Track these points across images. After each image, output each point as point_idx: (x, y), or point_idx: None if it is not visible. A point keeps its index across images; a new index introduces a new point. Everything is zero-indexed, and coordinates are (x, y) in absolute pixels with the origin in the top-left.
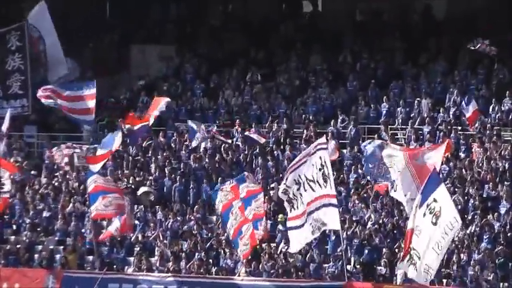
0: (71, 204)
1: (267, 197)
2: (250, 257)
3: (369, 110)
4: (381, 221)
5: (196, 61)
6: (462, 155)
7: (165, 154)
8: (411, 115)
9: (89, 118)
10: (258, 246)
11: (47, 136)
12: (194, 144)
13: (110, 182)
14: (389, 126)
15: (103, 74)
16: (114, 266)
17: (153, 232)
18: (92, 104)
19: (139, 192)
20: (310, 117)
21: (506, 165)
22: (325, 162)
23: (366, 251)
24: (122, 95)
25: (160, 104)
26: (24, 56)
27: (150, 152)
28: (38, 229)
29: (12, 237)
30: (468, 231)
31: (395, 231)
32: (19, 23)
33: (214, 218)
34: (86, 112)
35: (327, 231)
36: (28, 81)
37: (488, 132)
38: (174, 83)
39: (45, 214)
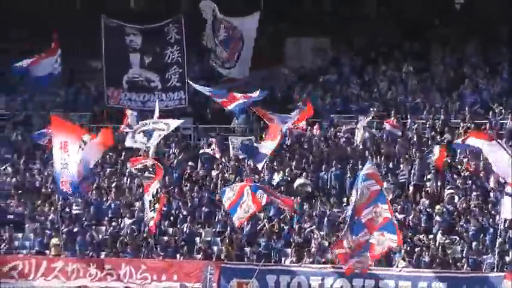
0: None
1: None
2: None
3: None
4: None
5: (351, 53)
6: None
7: (322, 146)
8: None
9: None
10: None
11: (203, 128)
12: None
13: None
14: None
15: (259, 67)
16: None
17: (309, 224)
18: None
19: (295, 184)
20: (467, 109)
21: None
22: None
23: None
24: (277, 87)
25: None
26: (182, 49)
27: (306, 144)
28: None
29: (170, 229)
30: None
31: None
32: (177, 16)
33: None
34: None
35: (484, 224)
36: (185, 74)
37: None
38: (329, 75)
39: (204, 208)
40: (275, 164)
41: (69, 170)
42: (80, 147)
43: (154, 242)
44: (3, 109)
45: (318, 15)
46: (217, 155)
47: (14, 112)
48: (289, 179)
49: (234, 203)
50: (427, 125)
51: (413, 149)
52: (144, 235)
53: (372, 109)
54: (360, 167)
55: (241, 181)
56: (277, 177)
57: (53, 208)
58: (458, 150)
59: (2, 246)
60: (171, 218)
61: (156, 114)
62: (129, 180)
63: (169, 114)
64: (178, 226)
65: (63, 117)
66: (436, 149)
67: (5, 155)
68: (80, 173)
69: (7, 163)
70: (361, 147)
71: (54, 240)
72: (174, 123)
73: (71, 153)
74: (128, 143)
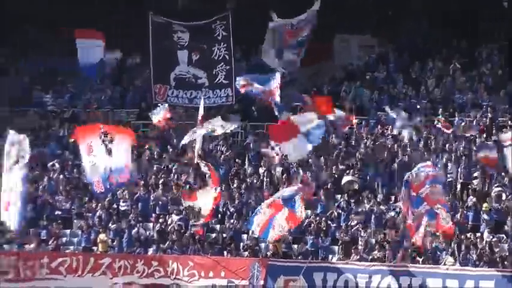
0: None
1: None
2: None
3: None
4: None
5: (398, 50)
6: None
7: (366, 143)
8: None
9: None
10: None
11: (250, 125)
12: (395, 132)
13: None
14: None
15: (307, 64)
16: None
17: (355, 221)
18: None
19: (343, 181)
20: None
21: None
22: None
23: None
24: (324, 84)
25: None
26: (229, 46)
27: (352, 141)
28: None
29: (218, 226)
30: None
31: None
32: (224, 13)
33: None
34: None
35: None
36: (232, 70)
37: None
38: (375, 72)
39: (251, 204)
40: (322, 161)
41: (98, 169)
42: (103, 142)
43: (201, 238)
44: (52, 105)
45: (365, 12)
46: (277, 157)
47: (62, 108)
48: (336, 176)
49: (265, 226)
50: (474, 123)
51: (461, 147)
52: (191, 232)
53: (418, 107)
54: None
55: (287, 179)
56: (324, 174)
57: (100, 204)
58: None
59: (50, 242)
60: (219, 215)
61: (201, 112)
62: (176, 176)
63: (217, 111)
64: (226, 223)
65: (106, 116)
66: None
67: (54, 151)
68: (107, 169)
69: (55, 159)
70: (408, 145)
71: (102, 237)
72: (227, 126)
73: (96, 152)
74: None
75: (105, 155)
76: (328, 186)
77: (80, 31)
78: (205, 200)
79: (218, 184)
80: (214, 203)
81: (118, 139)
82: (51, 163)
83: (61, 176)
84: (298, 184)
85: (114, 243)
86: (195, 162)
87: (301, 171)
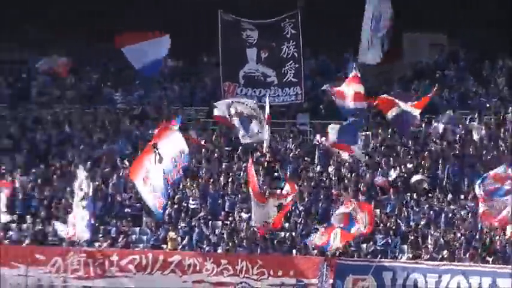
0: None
1: None
2: None
3: None
4: None
5: (468, 48)
6: None
7: (437, 142)
8: None
9: (360, 105)
10: None
11: (319, 124)
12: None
13: None
14: None
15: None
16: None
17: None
18: (357, 88)
19: (412, 180)
20: None
21: None
22: None
23: None
24: (393, 83)
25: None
26: (298, 44)
27: (422, 140)
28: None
29: (286, 225)
30: None
31: None
32: (294, 11)
33: None
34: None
35: None
36: (302, 69)
37: None
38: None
39: (320, 203)
40: (391, 159)
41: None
42: (154, 157)
43: (270, 237)
44: (122, 103)
45: (434, 10)
46: (346, 157)
47: (132, 106)
48: (405, 175)
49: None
50: None
51: None
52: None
53: (488, 105)
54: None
55: (356, 176)
56: (393, 174)
57: (170, 202)
58: None
59: (119, 240)
60: (287, 214)
61: (267, 111)
62: (245, 175)
63: (285, 111)
64: (294, 221)
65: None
66: None
67: (123, 149)
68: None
69: (125, 157)
70: (478, 144)
71: (171, 234)
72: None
73: (152, 176)
74: (244, 139)
75: (158, 168)
76: (398, 185)
77: (140, 34)
78: (274, 204)
79: (295, 190)
80: (283, 211)
81: (162, 143)
82: (119, 160)
83: None
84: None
85: (184, 242)
86: (266, 161)
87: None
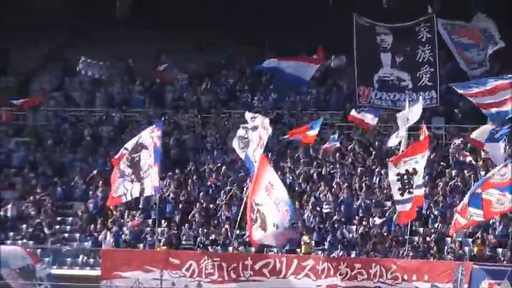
0: None
1: None
2: None
3: None
4: None
5: None
6: None
7: None
8: None
9: (505, 109)
10: None
11: (455, 128)
12: None
13: None
14: None
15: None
16: None
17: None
18: (507, 94)
19: None
20: None
21: None
22: None
23: None
24: None
25: None
26: (433, 48)
27: None
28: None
29: (421, 229)
30: None
31: None
32: (429, 15)
33: None
34: (501, 104)
35: None
36: (437, 73)
37: None
38: None
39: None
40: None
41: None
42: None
43: (405, 241)
44: (258, 107)
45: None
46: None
47: (267, 110)
48: None
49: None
50: None
51: None
52: (395, 234)
53: None
54: None
55: None
56: None
57: (305, 206)
58: None
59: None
60: (422, 218)
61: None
62: (378, 179)
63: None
64: (430, 226)
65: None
66: None
67: None
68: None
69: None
70: None
71: (305, 238)
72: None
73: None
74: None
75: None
76: None
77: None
78: None
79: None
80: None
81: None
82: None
83: None
84: None
85: (318, 246)
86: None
87: None
